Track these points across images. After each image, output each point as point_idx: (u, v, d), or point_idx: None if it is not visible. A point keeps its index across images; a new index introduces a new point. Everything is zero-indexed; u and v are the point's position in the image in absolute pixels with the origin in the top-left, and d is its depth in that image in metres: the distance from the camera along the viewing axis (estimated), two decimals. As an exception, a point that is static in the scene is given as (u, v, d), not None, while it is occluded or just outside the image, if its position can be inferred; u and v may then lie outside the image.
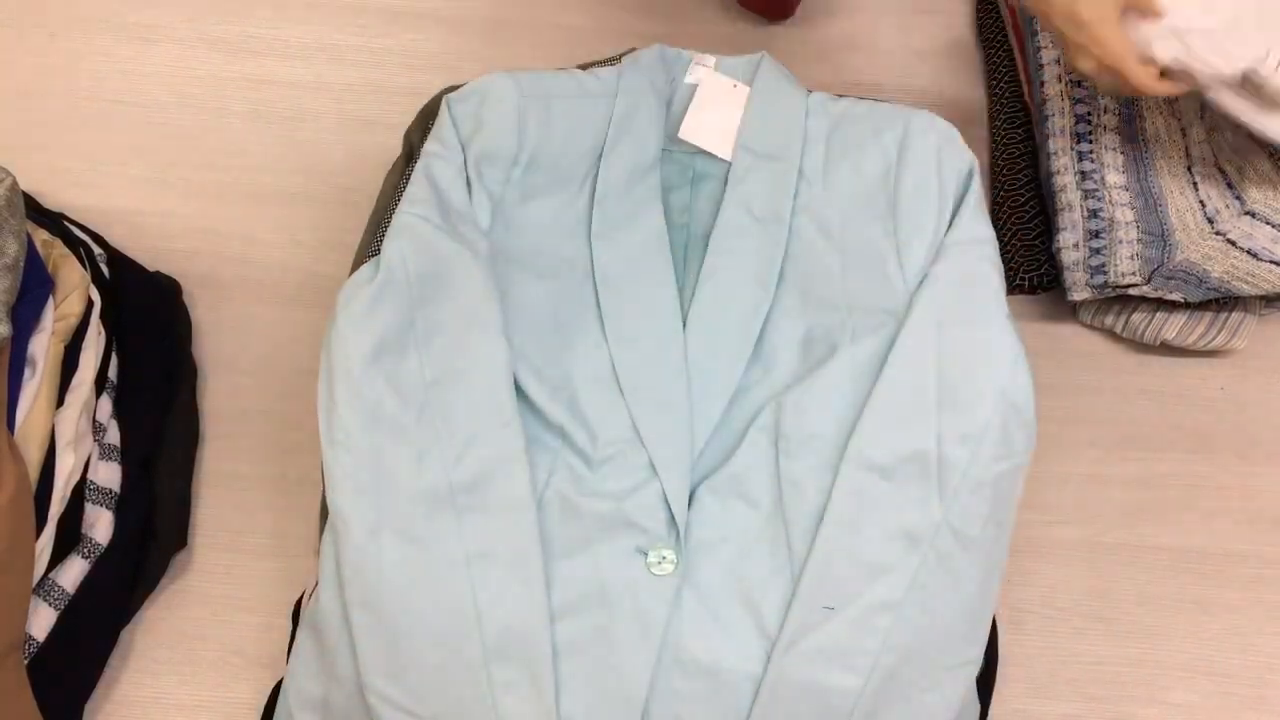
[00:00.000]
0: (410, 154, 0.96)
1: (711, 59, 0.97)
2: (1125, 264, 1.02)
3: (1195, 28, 0.92)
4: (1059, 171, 1.08)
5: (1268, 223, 1.00)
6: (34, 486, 0.86)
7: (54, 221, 1.01)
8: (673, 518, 0.80)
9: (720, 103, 0.94)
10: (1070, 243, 1.05)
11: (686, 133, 0.91)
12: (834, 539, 0.79)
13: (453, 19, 1.26)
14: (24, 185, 0.94)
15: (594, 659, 0.77)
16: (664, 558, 0.79)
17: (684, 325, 0.87)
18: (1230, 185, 1.03)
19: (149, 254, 1.11)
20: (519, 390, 0.84)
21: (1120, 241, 1.03)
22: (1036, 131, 1.13)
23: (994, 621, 0.90)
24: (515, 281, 0.88)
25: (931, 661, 0.79)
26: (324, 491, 0.86)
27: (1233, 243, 1.00)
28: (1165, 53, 0.92)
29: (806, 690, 0.76)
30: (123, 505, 0.95)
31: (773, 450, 0.82)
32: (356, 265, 0.94)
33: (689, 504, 0.81)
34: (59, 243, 0.97)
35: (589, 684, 0.76)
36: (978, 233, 0.89)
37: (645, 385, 0.84)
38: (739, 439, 0.84)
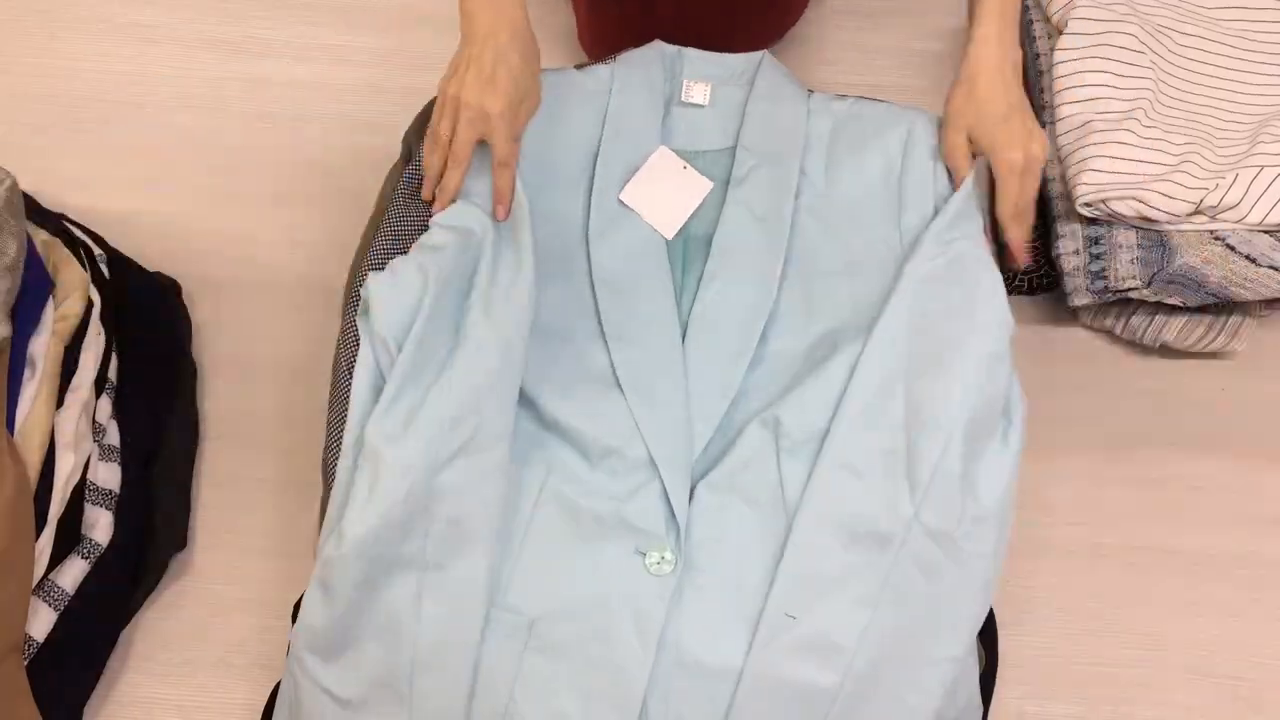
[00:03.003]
0: (409, 155, 0.95)
1: (705, 86, 0.95)
2: (1125, 269, 1.02)
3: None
4: (1057, 178, 1.08)
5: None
6: (34, 487, 0.86)
7: (54, 222, 1.01)
8: (672, 516, 0.80)
9: (669, 182, 0.92)
10: (1070, 249, 1.04)
11: (628, 197, 0.90)
12: (807, 538, 0.78)
13: (451, 20, 1.24)
14: (24, 186, 0.94)
15: (592, 658, 0.77)
16: (663, 558, 0.79)
17: (686, 326, 0.87)
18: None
19: (149, 254, 1.11)
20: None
21: (1120, 246, 1.02)
22: (1036, 137, 1.12)
23: (994, 622, 0.90)
24: None
25: (911, 658, 0.79)
26: (324, 492, 0.86)
27: (1232, 248, 1.00)
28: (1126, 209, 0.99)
29: (786, 686, 0.76)
30: (122, 506, 0.95)
31: (774, 448, 0.82)
32: (356, 266, 0.94)
33: (688, 503, 0.81)
34: (59, 243, 0.97)
35: (587, 683, 0.76)
36: (968, 229, 0.88)
37: (645, 384, 0.84)
38: (740, 438, 0.83)
